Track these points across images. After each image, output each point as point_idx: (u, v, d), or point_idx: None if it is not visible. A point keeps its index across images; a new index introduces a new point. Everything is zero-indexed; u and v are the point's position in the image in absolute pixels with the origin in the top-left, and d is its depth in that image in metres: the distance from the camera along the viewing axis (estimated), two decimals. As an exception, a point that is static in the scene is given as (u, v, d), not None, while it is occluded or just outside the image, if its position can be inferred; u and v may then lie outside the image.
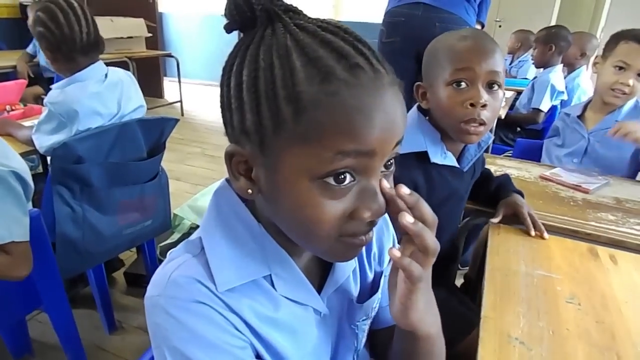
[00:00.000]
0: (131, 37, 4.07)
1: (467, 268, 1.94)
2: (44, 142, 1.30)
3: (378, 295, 0.59)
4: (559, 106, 2.63)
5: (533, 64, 2.90)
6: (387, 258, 0.61)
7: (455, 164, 0.97)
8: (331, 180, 0.39)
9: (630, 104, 1.52)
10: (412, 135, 0.92)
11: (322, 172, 0.39)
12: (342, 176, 0.39)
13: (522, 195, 1.11)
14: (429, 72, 0.95)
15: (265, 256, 0.46)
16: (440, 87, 0.91)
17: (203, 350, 0.42)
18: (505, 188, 1.12)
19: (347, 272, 0.55)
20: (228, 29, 0.44)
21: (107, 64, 1.42)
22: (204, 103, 5.22)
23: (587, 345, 0.69)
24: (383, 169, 0.43)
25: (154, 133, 1.47)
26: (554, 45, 2.64)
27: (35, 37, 1.31)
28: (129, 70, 3.90)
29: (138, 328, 1.62)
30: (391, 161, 0.44)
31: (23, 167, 0.98)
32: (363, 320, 0.58)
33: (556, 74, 2.61)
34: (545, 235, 1.01)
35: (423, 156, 0.93)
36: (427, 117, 0.98)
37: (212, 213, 0.48)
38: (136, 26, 4.13)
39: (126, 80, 1.44)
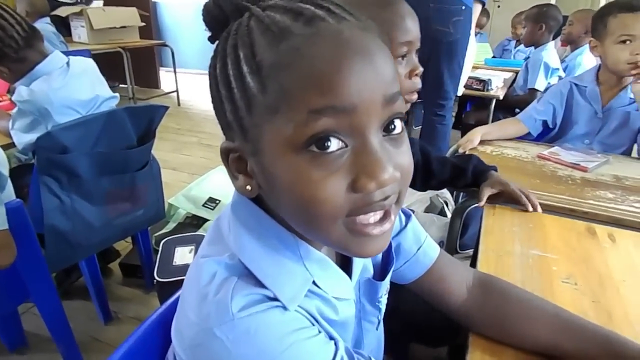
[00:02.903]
0: (124, 27, 4.00)
1: (467, 252, 1.92)
2: (20, 139, 1.28)
3: (392, 269, 0.59)
4: (558, 84, 2.59)
5: (521, 42, 2.87)
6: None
7: None
8: (315, 148, 0.35)
9: None
10: None
11: (301, 139, 0.35)
12: (327, 142, 0.35)
13: (496, 170, 1.07)
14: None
15: (302, 261, 0.43)
16: None
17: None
18: (482, 170, 1.07)
19: None
20: (212, 39, 0.42)
21: (101, 55, 1.40)
22: (200, 92, 5.17)
23: (582, 325, 0.66)
24: (384, 133, 0.37)
25: (143, 121, 1.44)
26: (544, 24, 2.60)
27: None
28: (123, 60, 3.90)
29: (134, 318, 1.61)
30: (394, 124, 0.38)
31: None
32: (384, 295, 0.58)
33: (548, 52, 2.57)
34: (539, 209, 0.99)
35: None
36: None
37: (240, 230, 0.43)
38: (129, 15, 4.07)
39: (92, 67, 1.41)
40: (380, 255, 0.59)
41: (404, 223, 0.64)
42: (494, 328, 0.63)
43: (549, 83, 2.58)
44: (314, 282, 0.43)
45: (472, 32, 2.34)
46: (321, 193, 0.35)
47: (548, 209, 1.03)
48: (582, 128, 1.54)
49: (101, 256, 1.66)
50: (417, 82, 0.83)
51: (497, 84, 2.53)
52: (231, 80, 0.37)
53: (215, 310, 0.38)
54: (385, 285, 0.57)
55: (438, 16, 1.98)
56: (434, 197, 1.64)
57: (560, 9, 2.73)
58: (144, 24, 4.20)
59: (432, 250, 0.65)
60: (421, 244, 0.64)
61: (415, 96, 0.85)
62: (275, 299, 0.40)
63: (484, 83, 2.40)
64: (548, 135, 1.67)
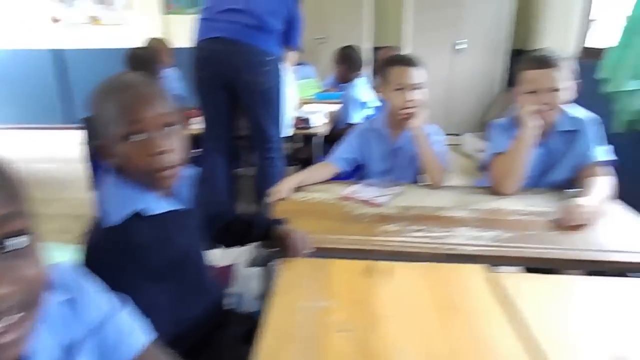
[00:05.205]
0: None
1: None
2: None
3: None
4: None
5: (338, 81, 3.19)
6: None
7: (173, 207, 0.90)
8: None
9: None
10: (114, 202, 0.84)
11: None
12: None
13: (281, 223, 1.13)
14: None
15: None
16: None
17: None
18: (267, 227, 1.13)
19: None
20: None
21: None
22: (18, 149, 4.53)
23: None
24: None
25: None
26: (349, 64, 2.97)
27: None
28: None
29: None
30: None
31: None
32: None
33: (356, 88, 2.87)
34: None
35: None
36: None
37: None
38: None
39: None
40: None
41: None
42: None
43: (366, 116, 2.85)
44: None
45: (290, 74, 2.50)
46: None
47: (340, 253, 1.09)
48: (380, 166, 1.72)
49: None
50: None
51: (319, 121, 2.72)
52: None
53: None
54: None
55: (247, 68, 2.08)
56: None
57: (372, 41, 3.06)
58: None
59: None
60: None
61: None
62: None
63: (305, 121, 2.57)
64: (357, 173, 1.84)
